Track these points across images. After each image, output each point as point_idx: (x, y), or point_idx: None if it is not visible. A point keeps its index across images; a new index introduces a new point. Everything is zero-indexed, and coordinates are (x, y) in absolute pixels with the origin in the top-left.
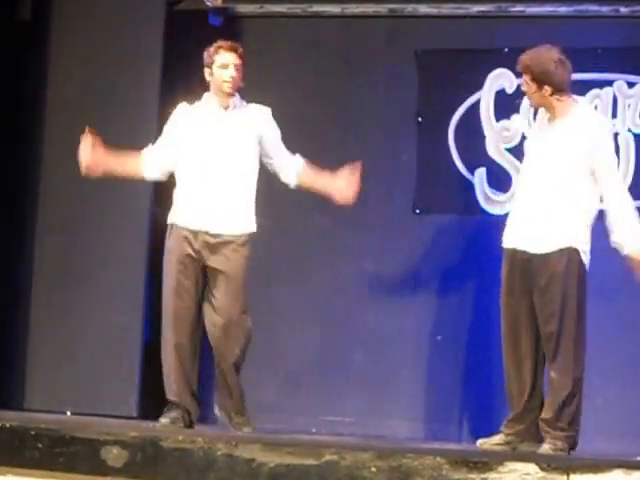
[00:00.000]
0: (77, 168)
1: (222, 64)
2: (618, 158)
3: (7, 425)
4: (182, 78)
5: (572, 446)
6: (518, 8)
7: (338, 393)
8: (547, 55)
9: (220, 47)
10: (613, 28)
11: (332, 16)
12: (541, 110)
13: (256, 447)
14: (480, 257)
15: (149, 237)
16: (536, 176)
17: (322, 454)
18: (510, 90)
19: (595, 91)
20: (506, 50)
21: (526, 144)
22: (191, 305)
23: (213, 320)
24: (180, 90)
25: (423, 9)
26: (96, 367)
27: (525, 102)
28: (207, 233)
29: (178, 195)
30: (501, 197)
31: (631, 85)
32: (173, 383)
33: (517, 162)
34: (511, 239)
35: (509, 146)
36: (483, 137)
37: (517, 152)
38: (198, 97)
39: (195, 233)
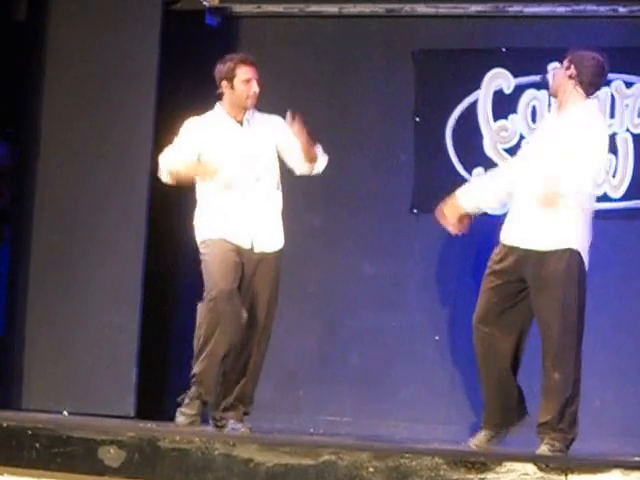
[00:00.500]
0: (74, 168)
1: (245, 79)
2: (616, 158)
3: (4, 425)
4: (179, 77)
5: (568, 446)
6: (516, 8)
7: (336, 393)
8: (592, 56)
9: (241, 61)
10: (611, 28)
11: (329, 16)
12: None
13: (254, 447)
14: (478, 257)
15: (146, 238)
16: (534, 170)
17: (320, 454)
18: (508, 90)
19: None
20: (504, 50)
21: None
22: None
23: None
24: (177, 89)
25: (421, 9)
26: (93, 367)
27: (525, 100)
28: (252, 250)
29: (214, 211)
30: None
31: (629, 85)
32: (211, 382)
33: None
34: (509, 235)
35: (507, 146)
36: (481, 137)
37: (515, 152)
38: (195, 98)
39: (240, 248)
